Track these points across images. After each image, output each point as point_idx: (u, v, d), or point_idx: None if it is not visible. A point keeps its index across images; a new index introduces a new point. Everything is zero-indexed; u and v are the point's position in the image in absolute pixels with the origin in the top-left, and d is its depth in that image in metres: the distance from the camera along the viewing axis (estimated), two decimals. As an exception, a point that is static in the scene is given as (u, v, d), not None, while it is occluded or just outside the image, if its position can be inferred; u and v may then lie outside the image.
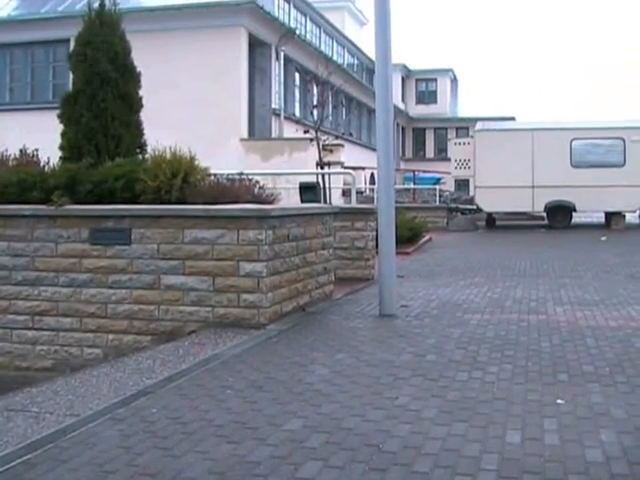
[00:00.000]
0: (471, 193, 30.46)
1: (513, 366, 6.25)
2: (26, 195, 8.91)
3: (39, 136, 15.16)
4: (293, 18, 35.76)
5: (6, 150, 10.52)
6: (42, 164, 9.93)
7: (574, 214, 28.12)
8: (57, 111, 10.39)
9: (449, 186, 38.38)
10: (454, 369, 6.16)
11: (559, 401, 5.17)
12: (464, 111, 60.71)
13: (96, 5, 10.48)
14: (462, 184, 36.42)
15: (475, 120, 36.04)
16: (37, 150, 10.27)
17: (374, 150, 10.75)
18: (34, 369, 8.67)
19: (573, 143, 27.48)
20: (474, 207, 29.46)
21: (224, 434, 4.53)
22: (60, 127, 10.22)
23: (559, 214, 27.91)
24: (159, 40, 24.93)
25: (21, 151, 10.28)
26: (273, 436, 4.47)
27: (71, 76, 10.53)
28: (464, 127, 54.50)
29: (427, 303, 9.86)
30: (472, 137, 29.62)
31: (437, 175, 41.58)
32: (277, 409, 5.04)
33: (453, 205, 31.83)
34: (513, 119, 46.74)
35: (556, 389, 5.51)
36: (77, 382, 6.23)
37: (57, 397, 5.73)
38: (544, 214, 28.87)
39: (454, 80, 64.73)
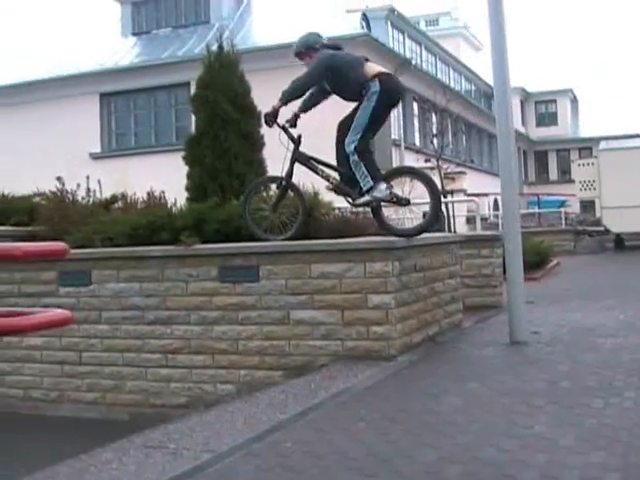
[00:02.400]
0: (597, 214, 29.79)
1: (652, 391, 6.09)
2: (155, 236, 9.11)
3: (164, 178, 15.53)
4: (408, 48, 35.81)
5: (134, 193, 10.81)
6: (169, 205, 10.17)
7: None
8: (180, 153, 10.64)
9: (574, 208, 37.64)
10: (590, 395, 6.01)
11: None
12: (586, 131, 59.55)
13: (215, 48, 10.72)
14: (588, 205, 35.65)
15: (598, 139, 35.35)
16: (164, 192, 10.52)
17: (496, 175, 10.64)
18: (169, 406, 8.83)
19: None
20: (601, 229, 28.80)
21: (359, 467, 4.53)
22: (184, 168, 10.44)
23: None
24: (276, 77, 25.29)
25: (148, 193, 10.55)
26: (408, 468, 4.45)
27: (193, 118, 10.78)
28: (587, 147, 53.52)
29: (558, 328, 9.68)
30: (596, 157, 29.03)
31: (562, 198, 40.86)
32: (411, 440, 5.01)
33: (580, 227, 31.21)
34: (638, 136, 45.62)
35: (699, 413, 5.34)
36: (212, 418, 6.31)
37: (193, 433, 5.82)
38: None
39: (574, 100, 63.64)
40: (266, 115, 8.53)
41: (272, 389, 7.22)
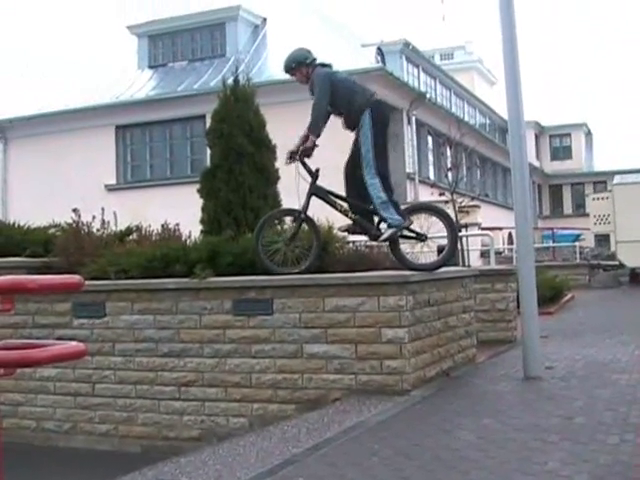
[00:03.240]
0: (612, 248, 29.67)
1: (667, 428, 6.04)
2: (170, 269, 9.13)
3: (179, 210, 15.58)
4: (423, 82, 35.95)
5: (149, 225, 10.84)
6: (183, 238, 10.19)
7: None
8: (195, 185, 10.70)
9: (589, 242, 37.55)
10: (604, 432, 5.97)
11: None
12: (600, 165, 59.48)
13: (230, 81, 10.79)
14: (603, 239, 35.55)
15: (613, 173, 35.31)
16: (178, 224, 10.55)
17: (510, 209, 10.65)
18: (181, 439, 8.81)
19: None
20: (616, 263, 28.69)
21: (372, 503, 4.51)
22: (198, 200, 10.49)
23: None
24: (290, 110, 25.43)
25: (163, 226, 10.58)
26: (422, 505, 4.42)
27: (208, 151, 10.85)
28: (601, 181, 53.43)
29: (572, 363, 9.63)
30: (610, 191, 28.95)
31: (576, 232, 40.76)
32: (424, 476, 4.99)
33: (594, 262, 31.09)
34: (653, 170, 45.54)
35: None
36: (224, 452, 6.30)
37: (205, 467, 5.81)
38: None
39: (588, 134, 63.63)
40: (302, 151, 8.59)
41: (285, 423, 7.20)
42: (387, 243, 8.72)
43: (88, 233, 10.38)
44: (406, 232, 8.74)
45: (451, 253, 8.98)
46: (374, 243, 9.09)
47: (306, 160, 8.65)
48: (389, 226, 8.51)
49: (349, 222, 8.85)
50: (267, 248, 8.67)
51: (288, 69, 8.97)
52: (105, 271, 9.42)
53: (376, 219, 8.79)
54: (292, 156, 8.72)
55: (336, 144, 9.15)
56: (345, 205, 8.74)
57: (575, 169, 60.36)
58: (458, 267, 13.06)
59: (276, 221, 9.08)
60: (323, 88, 8.54)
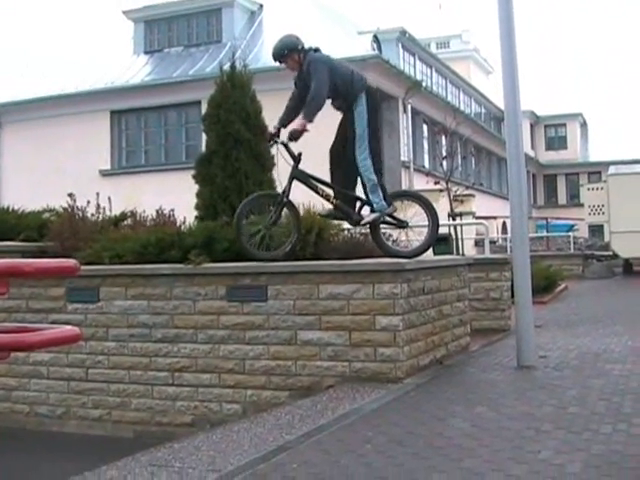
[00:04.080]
0: (606, 239, 29.70)
1: (660, 418, 6.05)
2: (164, 254, 9.12)
3: (173, 196, 15.56)
4: (419, 70, 35.87)
5: (143, 211, 10.82)
6: (178, 223, 10.17)
7: None
8: (190, 171, 10.66)
9: (583, 232, 37.57)
10: (598, 421, 5.99)
11: None
12: (595, 155, 59.47)
13: (227, 67, 10.75)
14: (597, 230, 35.57)
15: (607, 164, 35.27)
16: (173, 210, 10.52)
17: (505, 199, 10.65)
18: (174, 424, 8.82)
19: None
20: (610, 253, 28.71)
21: (366, 490, 4.52)
22: (193, 187, 10.45)
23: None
24: (286, 97, 25.42)
25: (157, 211, 10.55)
26: (415, 492, 4.43)
27: (204, 137, 10.80)
28: (596, 172, 53.44)
29: (566, 353, 9.65)
30: (605, 182, 28.96)
31: (570, 222, 40.80)
32: (417, 464, 5.00)
33: (588, 252, 31.12)
34: (648, 161, 45.54)
35: None
36: (217, 437, 6.30)
37: (199, 452, 5.81)
38: (684, 259, 27.88)
39: (584, 124, 63.62)
40: (291, 134, 8.43)
41: (278, 409, 7.21)
42: (368, 227, 8.74)
43: (83, 218, 10.36)
44: (388, 218, 8.76)
45: (430, 241, 9.00)
46: (368, 230, 9.07)
47: (290, 144, 8.61)
48: (372, 210, 8.54)
49: (330, 207, 8.85)
50: (249, 232, 8.62)
51: (279, 56, 8.82)
52: (99, 256, 9.40)
53: (358, 204, 8.85)
54: (271, 138, 8.71)
55: (320, 129, 9.06)
56: (327, 190, 8.73)
57: (570, 159, 60.36)
58: (452, 256, 13.08)
59: (256, 205, 8.95)
60: (323, 75, 8.47)
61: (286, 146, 8.63)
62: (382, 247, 8.71)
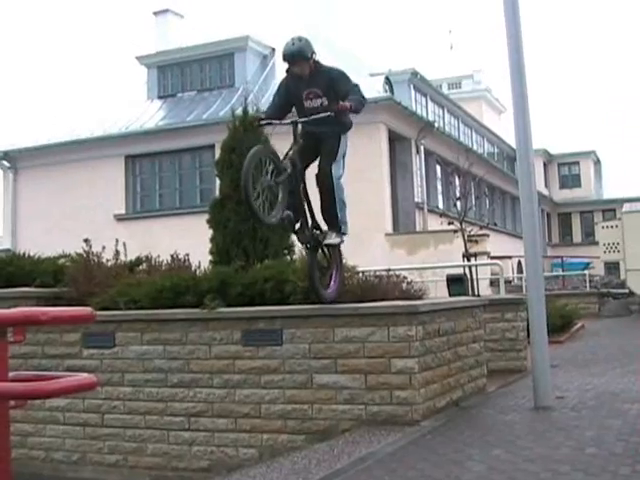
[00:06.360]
0: (622, 277, 29.58)
1: (680, 459, 6.00)
2: (179, 299, 9.14)
3: (188, 240, 15.65)
4: (431, 111, 36.03)
5: (158, 255, 10.87)
6: (193, 268, 10.20)
7: None
8: (204, 215, 10.72)
9: (599, 270, 37.43)
10: (616, 463, 5.93)
11: None
12: (609, 193, 59.43)
13: (239, 111, 10.82)
14: (612, 268, 35.44)
15: (622, 201, 35.29)
16: (188, 254, 10.56)
17: (520, 238, 10.65)
18: (191, 470, 8.79)
19: None
20: (626, 291, 28.59)
21: (383, 536, 4.49)
22: (208, 230, 10.50)
23: None
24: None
25: (172, 256, 10.59)
26: (433, 537, 4.40)
27: (217, 181, 10.86)
28: (611, 209, 53.40)
29: (583, 393, 9.59)
30: (620, 219, 28.91)
31: (586, 260, 40.67)
32: (435, 509, 4.96)
33: (604, 290, 30.99)
34: (663, 198, 45.41)
35: None
36: (235, 483, 6.29)
37: (216, 499, 5.80)
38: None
39: (597, 162, 63.64)
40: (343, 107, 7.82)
41: (295, 454, 7.18)
42: (307, 247, 8.46)
43: (98, 263, 10.41)
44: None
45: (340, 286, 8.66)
46: (383, 273, 9.06)
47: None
48: (340, 230, 8.41)
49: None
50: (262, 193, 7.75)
51: (303, 56, 8.11)
52: (115, 301, 9.44)
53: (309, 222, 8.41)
54: (261, 121, 8.56)
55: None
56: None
57: (584, 197, 60.35)
58: (468, 297, 13.05)
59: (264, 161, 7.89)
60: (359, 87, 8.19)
61: (296, 126, 8.22)
62: (312, 279, 8.20)
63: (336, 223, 8.37)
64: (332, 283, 8.49)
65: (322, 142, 8.29)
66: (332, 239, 8.34)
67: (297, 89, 8.33)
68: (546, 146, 56.81)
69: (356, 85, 8.18)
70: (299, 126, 8.20)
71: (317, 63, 8.26)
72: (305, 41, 8.18)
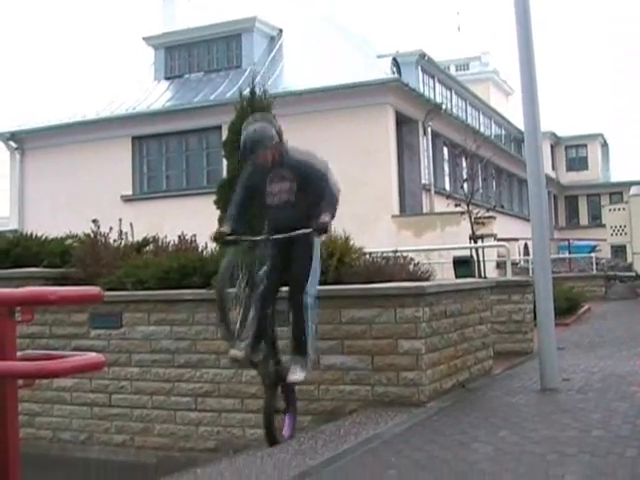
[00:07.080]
0: (629, 259, 29.59)
1: (686, 441, 6.00)
2: (186, 280, 9.15)
3: (195, 221, 15.63)
4: (438, 93, 35.88)
5: (165, 236, 10.87)
6: (200, 249, 10.20)
7: None
8: (211, 196, 10.71)
9: (605, 253, 37.43)
10: (622, 445, 5.93)
11: None
12: (617, 176, 59.22)
13: (247, 92, 10.80)
14: (619, 250, 35.46)
15: (629, 184, 35.28)
16: (195, 235, 10.56)
17: (526, 220, 10.63)
18: (197, 450, 8.82)
19: None
20: (633, 274, 28.59)
21: (390, 516, 4.50)
22: (215, 212, 10.48)
23: None
24: (308, 121, 25.47)
25: (179, 237, 10.59)
26: (440, 517, 4.41)
27: (224, 162, 10.83)
28: (618, 192, 53.32)
29: (590, 376, 9.59)
30: (627, 202, 28.91)
31: (592, 243, 40.63)
32: (442, 489, 4.97)
33: (611, 273, 31.00)
34: (670, 181, 45.29)
35: None
36: (241, 463, 6.29)
37: (222, 478, 5.81)
38: None
39: (605, 145, 63.37)
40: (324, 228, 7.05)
41: (301, 434, 7.18)
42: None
43: (105, 244, 10.41)
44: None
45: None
46: (390, 254, 9.04)
47: None
48: (305, 364, 7.17)
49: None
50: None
51: (263, 145, 7.16)
52: (122, 282, 9.46)
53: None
54: (226, 237, 7.52)
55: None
56: None
57: (591, 180, 60.16)
58: (474, 278, 13.05)
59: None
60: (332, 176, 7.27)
61: (268, 241, 7.43)
62: (269, 421, 7.19)
63: (304, 351, 7.19)
64: (286, 427, 7.37)
65: (293, 244, 7.24)
66: (296, 375, 7.10)
67: (261, 175, 7.41)
68: (553, 129, 56.57)
69: (325, 174, 7.14)
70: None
71: (281, 153, 7.25)
72: (265, 126, 7.23)
